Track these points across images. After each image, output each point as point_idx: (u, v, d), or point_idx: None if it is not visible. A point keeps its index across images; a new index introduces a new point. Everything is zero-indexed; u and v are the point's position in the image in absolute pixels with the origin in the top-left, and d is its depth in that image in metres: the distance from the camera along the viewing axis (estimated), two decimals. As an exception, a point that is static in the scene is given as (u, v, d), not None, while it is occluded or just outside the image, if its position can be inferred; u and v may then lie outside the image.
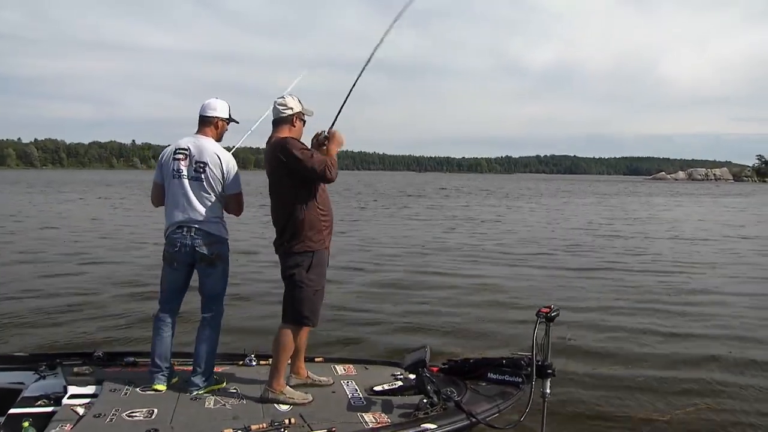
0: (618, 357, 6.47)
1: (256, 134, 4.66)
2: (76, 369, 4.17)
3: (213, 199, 3.96)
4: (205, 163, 3.93)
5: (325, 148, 3.97)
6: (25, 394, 3.93)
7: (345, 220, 22.18)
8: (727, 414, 5.07)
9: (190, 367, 4.04)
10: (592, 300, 9.20)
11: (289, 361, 4.04)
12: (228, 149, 4.17)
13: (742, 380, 5.86)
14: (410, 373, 4.19)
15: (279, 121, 3.96)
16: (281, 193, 3.89)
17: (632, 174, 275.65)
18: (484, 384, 4.13)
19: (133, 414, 3.52)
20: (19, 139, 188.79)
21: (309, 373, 4.23)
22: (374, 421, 3.59)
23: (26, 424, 3.31)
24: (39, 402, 3.79)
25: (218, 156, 3.96)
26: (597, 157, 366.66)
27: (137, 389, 3.90)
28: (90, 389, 3.90)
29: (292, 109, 3.95)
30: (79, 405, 3.63)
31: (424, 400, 3.70)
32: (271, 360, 4.03)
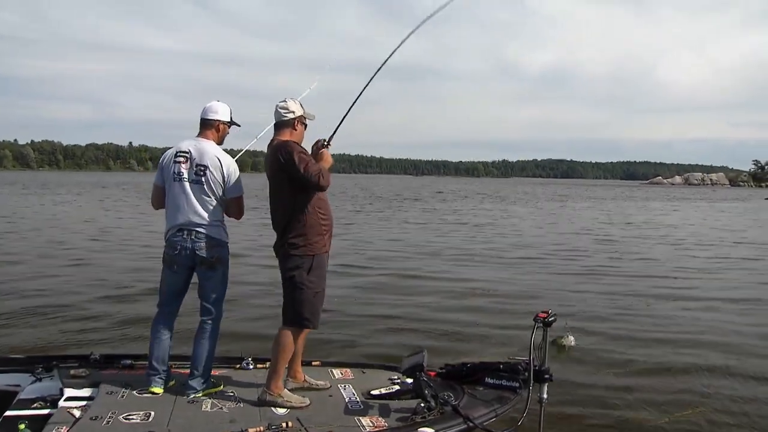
0: (614, 362, 6.47)
1: (255, 138, 4.66)
2: (72, 371, 4.17)
3: (214, 202, 3.96)
4: (206, 166, 3.92)
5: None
6: (21, 396, 3.91)
7: (340, 222, 22.17)
8: (721, 418, 5.09)
9: (187, 370, 4.03)
10: (585, 304, 9.21)
11: (286, 365, 4.03)
12: (233, 154, 4.17)
13: (736, 385, 5.88)
14: (408, 377, 4.20)
15: (280, 125, 3.97)
16: (282, 196, 3.89)
17: (629, 178, 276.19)
18: (481, 388, 4.12)
19: (130, 417, 3.51)
20: (15, 140, 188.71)
21: (306, 376, 4.22)
22: (371, 425, 3.58)
23: (22, 426, 3.31)
24: (35, 404, 3.77)
25: (219, 159, 3.96)
26: (594, 161, 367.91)
27: (134, 392, 3.89)
28: (86, 392, 3.89)
29: (293, 112, 3.96)
30: (76, 407, 3.62)
31: (422, 405, 3.69)
32: (268, 363, 4.03)
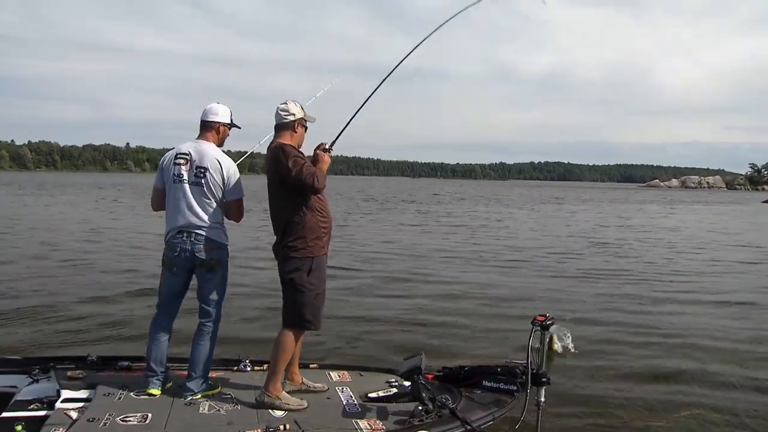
0: (610, 365, 6.47)
1: (254, 140, 4.66)
2: (69, 373, 4.17)
3: (213, 204, 3.95)
4: (206, 168, 3.92)
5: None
6: (18, 397, 3.90)
7: (335, 224, 22.11)
8: (716, 421, 5.11)
9: (185, 372, 4.03)
10: (580, 307, 9.22)
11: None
12: (234, 156, 4.17)
13: (731, 388, 5.90)
14: (405, 380, 4.20)
15: (280, 127, 3.98)
16: (281, 198, 3.90)
17: (626, 181, 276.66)
18: (479, 392, 4.14)
19: (127, 419, 3.50)
20: (12, 140, 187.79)
21: (304, 379, 4.23)
22: (369, 427, 3.59)
23: (19, 427, 3.30)
24: (32, 406, 3.76)
25: (219, 161, 3.95)
26: (591, 164, 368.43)
27: (131, 393, 3.88)
28: (83, 393, 3.88)
29: (294, 115, 3.96)
30: (73, 409, 3.61)
31: (419, 408, 3.70)
32: (266, 365, 4.02)
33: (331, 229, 4.05)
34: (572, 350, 6.71)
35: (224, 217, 4.08)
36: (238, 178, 4.04)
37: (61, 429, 3.34)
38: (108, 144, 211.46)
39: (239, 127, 4.24)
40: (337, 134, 4.19)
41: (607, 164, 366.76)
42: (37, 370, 4.16)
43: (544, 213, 35.83)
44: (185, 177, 3.93)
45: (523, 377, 3.91)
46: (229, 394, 4.00)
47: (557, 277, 12.16)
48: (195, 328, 4.06)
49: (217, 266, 3.99)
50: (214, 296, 4.03)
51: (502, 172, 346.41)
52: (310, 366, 4.63)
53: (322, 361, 4.92)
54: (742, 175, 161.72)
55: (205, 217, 3.92)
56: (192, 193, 3.92)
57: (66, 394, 3.83)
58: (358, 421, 3.67)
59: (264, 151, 4.09)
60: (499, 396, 4.04)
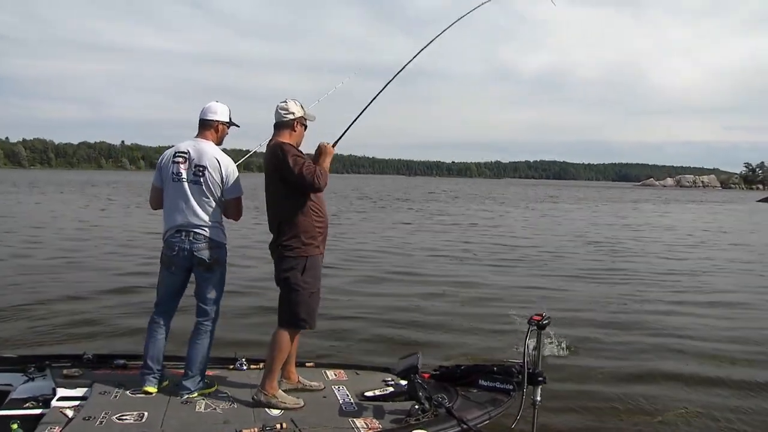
0: (604, 365, 6.49)
1: (253, 138, 4.66)
2: (65, 371, 4.15)
3: (212, 203, 3.94)
4: (204, 167, 3.91)
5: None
6: (13, 395, 3.90)
7: (331, 223, 22.10)
8: (708, 421, 5.14)
9: (181, 371, 4.02)
10: (574, 306, 9.24)
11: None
12: (234, 155, 4.16)
13: (724, 387, 5.94)
14: (402, 378, 4.20)
15: (280, 125, 3.97)
16: (278, 197, 3.89)
17: (621, 180, 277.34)
18: (475, 391, 4.14)
19: (124, 417, 3.50)
20: (6, 138, 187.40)
21: (300, 377, 4.23)
22: (365, 426, 3.59)
23: (14, 426, 3.28)
24: (27, 404, 3.76)
25: (218, 160, 3.94)
26: (586, 162, 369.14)
27: (127, 392, 3.88)
28: (79, 391, 3.87)
29: (293, 113, 3.95)
30: (68, 407, 3.60)
31: (416, 407, 3.70)
32: (262, 364, 4.02)
33: (327, 228, 4.05)
34: (563, 348, 6.74)
35: (223, 216, 4.07)
36: (237, 177, 4.04)
37: (56, 427, 3.33)
38: (103, 142, 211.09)
39: (238, 126, 4.23)
40: (340, 135, 4.18)
41: (602, 163, 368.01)
42: (32, 368, 4.15)
43: (539, 212, 35.84)
44: (184, 175, 3.92)
45: (519, 376, 3.92)
46: (226, 393, 4.00)
47: (550, 276, 12.16)
48: (192, 327, 4.06)
49: (216, 265, 3.98)
50: (212, 295, 4.02)
51: (497, 170, 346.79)
52: (307, 364, 4.62)
53: (318, 360, 4.91)
54: (737, 174, 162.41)
55: (204, 216, 3.91)
56: (191, 192, 3.91)
57: (62, 392, 3.82)
58: (354, 419, 3.67)
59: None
60: (496, 395, 4.04)
